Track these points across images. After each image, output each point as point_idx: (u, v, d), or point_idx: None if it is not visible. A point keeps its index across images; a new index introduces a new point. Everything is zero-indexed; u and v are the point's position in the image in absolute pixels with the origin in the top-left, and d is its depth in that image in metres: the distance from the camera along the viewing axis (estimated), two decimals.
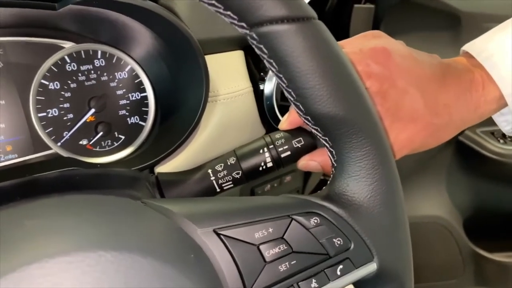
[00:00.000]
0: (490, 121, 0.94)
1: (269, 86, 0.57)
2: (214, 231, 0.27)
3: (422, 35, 0.83)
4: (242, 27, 0.27)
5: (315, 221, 0.29)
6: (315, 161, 0.42)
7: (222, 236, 0.27)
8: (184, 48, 0.49)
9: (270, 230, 0.28)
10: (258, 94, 0.57)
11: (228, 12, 0.26)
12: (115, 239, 0.23)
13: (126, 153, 0.55)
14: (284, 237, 0.28)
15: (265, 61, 0.28)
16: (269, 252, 0.28)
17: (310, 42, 0.27)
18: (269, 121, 0.59)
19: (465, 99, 0.43)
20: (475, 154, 0.97)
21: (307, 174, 0.73)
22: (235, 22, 0.26)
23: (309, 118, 0.29)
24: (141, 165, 0.50)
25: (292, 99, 0.29)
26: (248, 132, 0.58)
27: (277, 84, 0.57)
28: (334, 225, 0.30)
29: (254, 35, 0.27)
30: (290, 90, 0.28)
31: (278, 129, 0.60)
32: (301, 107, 0.29)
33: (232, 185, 0.42)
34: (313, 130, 0.31)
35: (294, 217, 0.29)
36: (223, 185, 0.42)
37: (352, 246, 0.30)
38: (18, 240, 0.21)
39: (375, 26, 0.81)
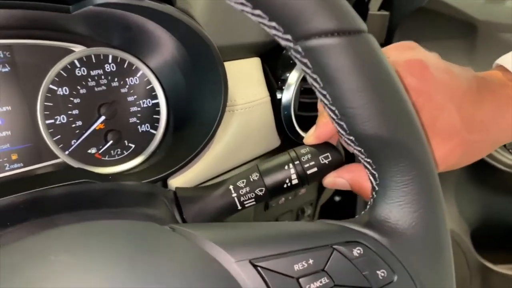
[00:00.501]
0: None
1: (287, 96, 0.55)
2: (251, 262, 0.25)
3: (438, 43, 0.81)
4: (286, 39, 0.24)
5: (358, 251, 0.27)
6: (343, 179, 0.40)
7: (259, 268, 0.25)
8: (203, 56, 0.47)
9: (311, 261, 0.26)
10: (275, 103, 0.55)
11: (273, 24, 0.23)
12: (153, 277, 0.20)
13: (136, 163, 0.53)
14: (326, 269, 0.26)
15: (307, 76, 0.26)
16: (309, 286, 0.25)
17: (360, 58, 0.24)
18: (285, 131, 0.57)
19: (502, 115, 0.41)
20: (485, 165, 0.95)
21: (320, 187, 0.70)
22: (279, 34, 0.24)
23: (353, 139, 0.27)
24: (154, 176, 0.47)
25: (335, 117, 0.27)
26: (264, 143, 0.55)
27: (295, 94, 0.55)
28: (377, 255, 0.27)
29: (299, 49, 0.24)
30: (334, 109, 0.26)
31: (294, 140, 0.58)
32: (345, 127, 0.27)
33: (254, 202, 0.40)
34: (355, 152, 0.28)
35: (336, 247, 0.27)
36: (245, 202, 0.40)
37: (396, 278, 0.28)
38: (46, 280, 0.19)
39: (390, 34, 0.79)
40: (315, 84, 0.26)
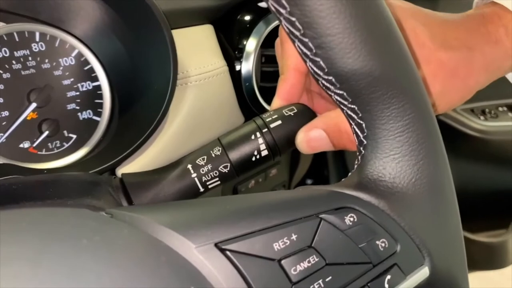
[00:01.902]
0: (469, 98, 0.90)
1: (246, 66, 0.49)
2: (217, 246, 0.19)
3: None
4: None
5: (351, 219, 0.21)
6: (317, 129, 0.33)
7: (228, 252, 0.19)
8: (144, 21, 0.40)
9: (294, 237, 0.20)
10: (234, 75, 0.49)
11: None
12: (78, 277, 0.14)
13: (79, 156, 0.46)
14: (313, 245, 0.20)
15: (270, 1, 0.20)
16: (295, 268, 0.20)
17: None
18: (248, 106, 0.51)
19: (479, 32, 0.36)
20: (455, 132, 0.93)
21: (292, 166, 0.65)
22: None
23: (333, 79, 0.21)
24: (99, 167, 0.41)
25: (309, 53, 0.21)
26: (225, 121, 0.49)
27: (256, 63, 0.49)
28: (375, 222, 0.22)
29: None
30: (307, 40, 0.20)
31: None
32: (322, 63, 0.21)
33: (219, 182, 0.34)
34: (335, 97, 0.23)
35: (323, 216, 0.21)
36: (208, 182, 0.33)
37: (399, 248, 0.22)
38: None
39: None
40: (280, 9, 0.20)
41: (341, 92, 0.22)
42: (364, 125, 0.23)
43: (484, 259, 1.08)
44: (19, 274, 0.15)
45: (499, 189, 1.05)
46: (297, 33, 0.20)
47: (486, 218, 1.09)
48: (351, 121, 0.24)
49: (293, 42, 0.21)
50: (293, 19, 0.20)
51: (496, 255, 1.07)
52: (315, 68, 0.22)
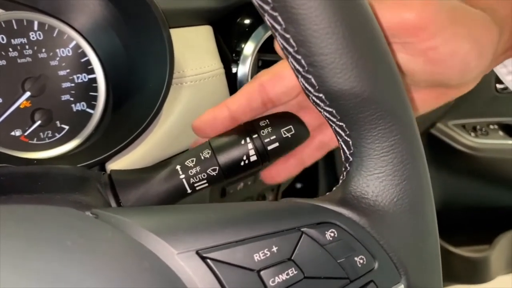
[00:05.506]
0: (461, 114, 0.91)
1: (243, 69, 0.49)
2: (198, 253, 0.19)
3: None
4: None
5: (332, 234, 0.22)
6: None
7: (208, 261, 0.19)
8: (143, 18, 0.40)
9: (274, 249, 0.21)
10: (230, 78, 0.49)
11: None
12: (56, 278, 0.14)
13: (70, 147, 0.46)
14: (293, 258, 0.21)
15: (266, 17, 0.21)
16: (273, 279, 0.20)
17: None
18: None
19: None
20: (446, 147, 0.94)
21: None
22: None
23: (323, 97, 0.22)
24: (89, 160, 0.41)
25: (301, 69, 0.21)
26: None
27: (252, 67, 0.49)
28: (355, 239, 0.22)
29: None
30: (300, 57, 0.21)
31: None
32: (313, 81, 0.21)
33: (206, 185, 0.34)
34: (324, 114, 0.23)
35: (305, 230, 0.22)
36: (196, 184, 0.34)
37: (377, 265, 0.23)
38: None
39: None
40: (276, 25, 0.20)
41: (330, 109, 0.22)
42: (351, 142, 0.24)
43: (466, 273, 1.09)
44: (3, 272, 0.15)
45: (485, 205, 1.07)
46: (291, 50, 0.21)
47: (470, 232, 1.10)
48: (338, 138, 0.24)
49: (287, 57, 0.22)
50: (288, 36, 0.20)
51: (477, 269, 1.08)
52: (306, 85, 0.22)
